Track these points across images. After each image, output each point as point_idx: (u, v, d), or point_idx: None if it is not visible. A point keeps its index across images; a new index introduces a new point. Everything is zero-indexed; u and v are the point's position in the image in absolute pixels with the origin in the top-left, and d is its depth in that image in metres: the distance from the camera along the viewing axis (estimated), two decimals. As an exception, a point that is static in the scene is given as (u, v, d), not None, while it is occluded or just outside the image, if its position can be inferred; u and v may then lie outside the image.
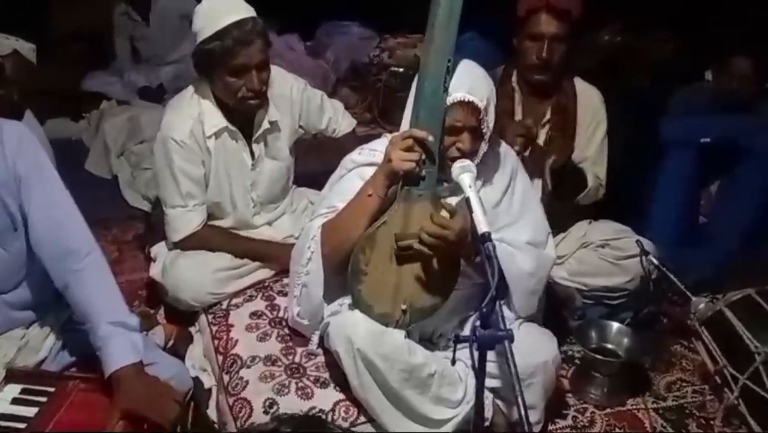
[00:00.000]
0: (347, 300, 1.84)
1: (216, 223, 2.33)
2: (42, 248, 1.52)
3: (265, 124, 2.28)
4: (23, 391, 1.51)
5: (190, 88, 2.24)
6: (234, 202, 2.33)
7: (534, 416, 1.86)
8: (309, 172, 2.61)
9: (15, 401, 1.49)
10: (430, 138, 1.70)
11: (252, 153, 2.30)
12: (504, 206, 1.94)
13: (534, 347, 1.81)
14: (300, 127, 2.43)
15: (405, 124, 1.79)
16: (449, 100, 1.73)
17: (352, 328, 1.74)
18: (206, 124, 2.19)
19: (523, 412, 1.33)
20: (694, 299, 2.17)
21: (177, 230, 2.26)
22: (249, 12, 2.11)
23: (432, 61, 1.70)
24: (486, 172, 1.88)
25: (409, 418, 1.79)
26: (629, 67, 3.45)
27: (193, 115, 2.19)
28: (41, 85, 2.35)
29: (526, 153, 2.14)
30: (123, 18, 3.82)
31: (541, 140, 2.30)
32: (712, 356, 2.09)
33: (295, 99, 2.36)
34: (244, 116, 2.23)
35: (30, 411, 1.45)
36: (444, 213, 1.73)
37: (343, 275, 1.78)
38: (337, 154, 2.20)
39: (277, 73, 2.27)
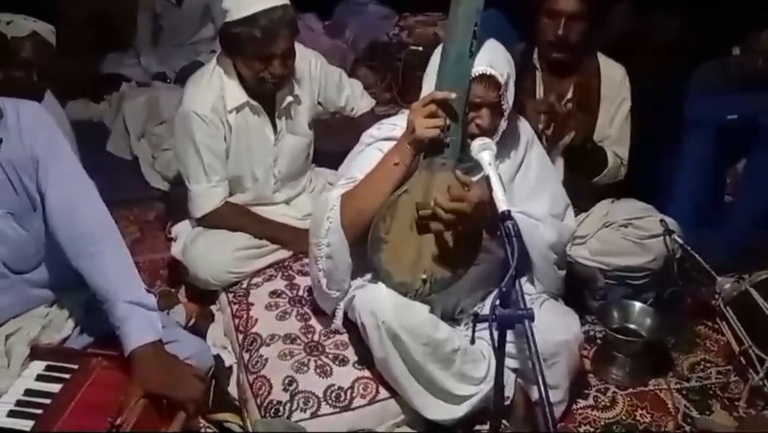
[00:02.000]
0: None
1: (235, 197, 2.33)
2: (59, 228, 1.53)
3: (288, 99, 2.28)
4: (47, 368, 1.53)
5: (212, 63, 2.25)
6: (255, 177, 2.33)
7: (557, 396, 1.85)
8: (328, 151, 2.61)
9: (39, 378, 1.51)
10: (452, 95, 1.67)
11: (275, 128, 2.30)
12: (519, 180, 1.92)
13: (556, 326, 1.80)
14: (319, 103, 2.42)
15: (425, 92, 1.75)
16: None
17: (377, 301, 1.74)
18: (228, 99, 2.19)
19: (543, 393, 1.32)
20: (719, 279, 2.14)
21: (200, 206, 2.27)
22: None
23: (458, 26, 1.66)
24: (502, 146, 1.85)
25: (432, 393, 1.80)
26: (647, 45, 3.36)
27: (215, 90, 2.19)
28: (61, 66, 2.35)
29: (549, 131, 2.11)
30: None
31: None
32: (737, 336, 2.06)
33: (314, 74, 2.36)
34: (267, 93, 2.23)
35: (54, 388, 1.48)
36: (462, 184, 1.71)
37: (365, 245, 1.76)
38: (357, 134, 2.19)
39: (296, 48, 2.25)
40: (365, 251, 1.76)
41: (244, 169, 2.31)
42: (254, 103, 2.23)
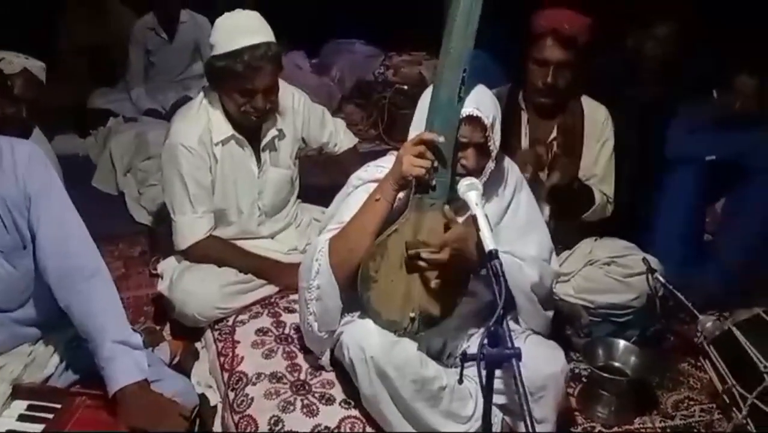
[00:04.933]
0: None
1: (220, 231, 2.33)
2: (48, 266, 1.53)
3: (273, 132, 2.31)
4: (29, 407, 1.51)
5: (200, 97, 2.28)
6: (240, 210, 2.34)
7: (545, 430, 1.84)
8: (314, 187, 2.63)
9: (21, 418, 1.49)
10: (441, 139, 1.70)
11: (259, 161, 2.32)
12: (507, 222, 1.94)
13: (542, 359, 1.80)
14: (302, 140, 2.45)
15: (413, 134, 1.79)
16: None
17: (365, 337, 1.73)
18: (214, 132, 2.22)
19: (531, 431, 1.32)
20: (701, 317, 2.16)
21: (185, 238, 2.27)
22: (266, 36, 2.13)
23: (447, 71, 1.70)
24: (489, 187, 1.88)
25: (419, 431, 1.78)
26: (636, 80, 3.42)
27: (202, 123, 2.22)
28: (50, 102, 2.37)
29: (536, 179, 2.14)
30: (149, 32, 3.86)
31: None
32: (720, 374, 2.08)
33: (297, 109, 2.40)
34: (251, 126, 2.26)
35: (36, 428, 1.46)
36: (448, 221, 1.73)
37: (354, 287, 1.77)
38: (341, 170, 2.22)
39: (279, 84, 2.29)
40: (354, 289, 1.77)
41: (230, 202, 2.32)
42: (240, 136, 2.26)
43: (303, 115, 2.42)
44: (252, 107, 2.15)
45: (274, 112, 2.26)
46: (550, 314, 2.00)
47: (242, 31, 2.10)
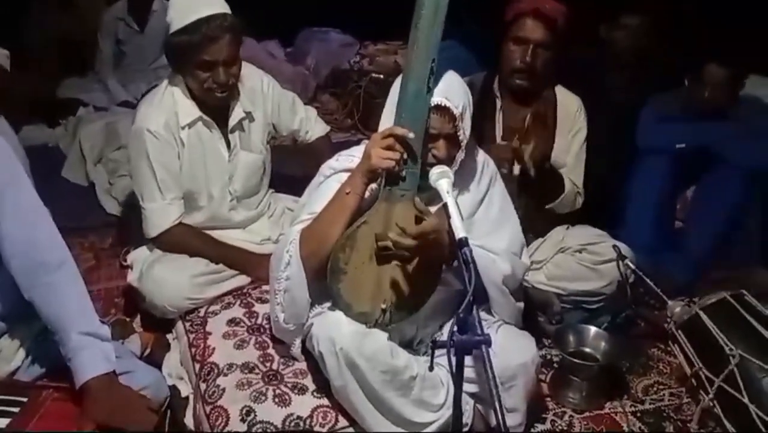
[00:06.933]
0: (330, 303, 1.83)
1: (190, 217, 2.31)
2: (14, 258, 1.50)
3: (240, 114, 2.29)
4: (-5, 402, 1.49)
5: (165, 82, 2.26)
6: (210, 195, 2.32)
7: (516, 419, 1.87)
8: (286, 176, 2.62)
9: (-14, 412, 1.46)
10: (411, 135, 1.70)
11: (228, 144, 2.30)
12: (480, 216, 1.95)
13: (513, 349, 1.82)
14: (272, 125, 2.44)
15: (384, 125, 1.79)
16: None
17: (335, 328, 1.73)
18: (181, 115, 2.20)
19: (501, 418, 1.34)
20: (670, 302, 2.19)
21: (155, 225, 2.24)
22: (221, 7, 2.12)
23: (416, 62, 1.69)
24: (463, 180, 1.88)
25: (390, 420, 1.79)
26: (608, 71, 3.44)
27: (168, 107, 2.20)
28: (16, 91, 2.32)
29: (515, 171, 2.15)
30: (119, 23, 3.82)
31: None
32: (689, 358, 2.11)
33: (266, 93, 2.38)
34: (217, 107, 2.24)
35: (2, 422, 1.43)
36: (420, 213, 1.73)
37: (324, 278, 1.77)
38: (314, 159, 2.21)
39: (247, 68, 2.28)
40: (324, 281, 1.77)
41: (200, 185, 2.30)
42: (207, 118, 2.24)
43: (273, 100, 2.40)
44: (215, 82, 2.13)
45: (237, 87, 2.24)
46: (521, 305, 2.02)
47: (196, 4, 2.09)
